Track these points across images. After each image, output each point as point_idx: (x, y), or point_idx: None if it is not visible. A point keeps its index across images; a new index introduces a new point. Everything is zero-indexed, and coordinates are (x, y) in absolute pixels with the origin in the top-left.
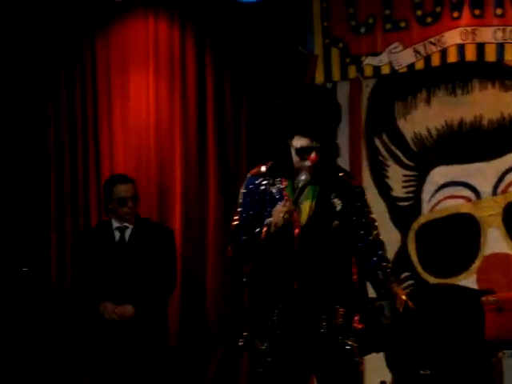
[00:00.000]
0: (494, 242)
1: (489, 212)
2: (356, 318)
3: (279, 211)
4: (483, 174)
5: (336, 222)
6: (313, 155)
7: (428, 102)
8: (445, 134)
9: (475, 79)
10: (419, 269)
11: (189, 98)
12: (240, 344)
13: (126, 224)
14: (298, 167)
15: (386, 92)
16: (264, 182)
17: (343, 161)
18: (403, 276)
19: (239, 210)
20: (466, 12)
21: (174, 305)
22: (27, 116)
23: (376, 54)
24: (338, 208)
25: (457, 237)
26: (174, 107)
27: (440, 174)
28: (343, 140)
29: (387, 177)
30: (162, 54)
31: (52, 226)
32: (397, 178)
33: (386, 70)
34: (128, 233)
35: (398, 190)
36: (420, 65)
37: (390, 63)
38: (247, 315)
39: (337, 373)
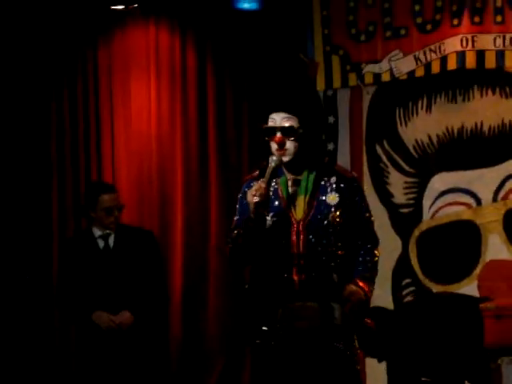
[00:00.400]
0: (495, 248)
1: (489, 218)
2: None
3: (251, 192)
4: (484, 180)
5: (332, 215)
6: (278, 135)
7: (429, 108)
8: (445, 141)
9: (475, 86)
10: (420, 275)
11: (190, 106)
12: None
13: (108, 231)
14: (273, 153)
15: (387, 99)
16: None
17: (344, 167)
18: (404, 283)
19: (236, 213)
20: (465, 19)
21: (175, 313)
22: (29, 124)
23: (376, 62)
24: (335, 201)
25: (458, 243)
26: (176, 115)
27: (441, 181)
28: (344, 147)
29: (388, 183)
30: (163, 62)
31: (54, 234)
32: (398, 184)
33: (386, 78)
34: (111, 240)
35: (399, 196)
36: (420, 72)
37: (391, 70)
38: (251, 313)
39: (337, 380)
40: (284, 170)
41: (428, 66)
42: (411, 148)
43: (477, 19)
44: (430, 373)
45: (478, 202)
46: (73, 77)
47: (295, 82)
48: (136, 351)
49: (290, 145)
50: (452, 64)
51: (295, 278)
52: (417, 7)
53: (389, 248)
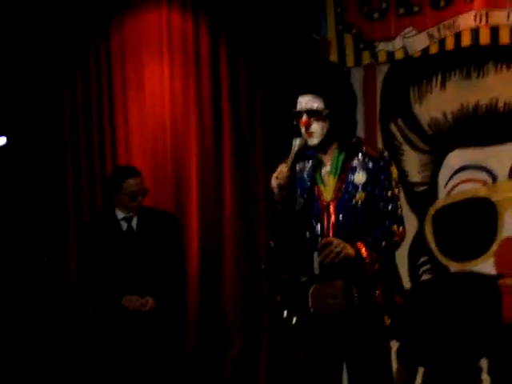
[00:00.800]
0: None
1: (505, 195)
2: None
3: (273, 175)
4: (499, 157)
5: (360, 195)
6: (303, 118)
7: (443, 85)
8: (460, 118)
9: (490, 62)
10: (437, 253)
11: (203, 87)
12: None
13: (132, 214)
14: (303, 135)
15: (401, 77)
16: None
17: (373, 146)
18: (421, 261)
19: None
20: None
21: (192, 293)
22: (43, 108)
23: (389, 39)
24: (362, 181)
25: (474, 221)
26: (189, 96)
27: (456, 158)
28: (358, 126)
29: (403, 162)
30: (175, 43)
31: (70, 217)
32: (413, 163)
33: (399, 55)
34: (134, 222)
35: (415, 175)
36: (434, 49)
37: (404, 48)
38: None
39: (367, 358)
40: (316, 151)
41: (442, 42)
42: (426, 126)
43: None
44: (445, 352)
45: (494, 178)
46: (86, 60)
47: (319, 62)
48: (156, 336)
49: (316, 127)
50: (466, 40)
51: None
52: None
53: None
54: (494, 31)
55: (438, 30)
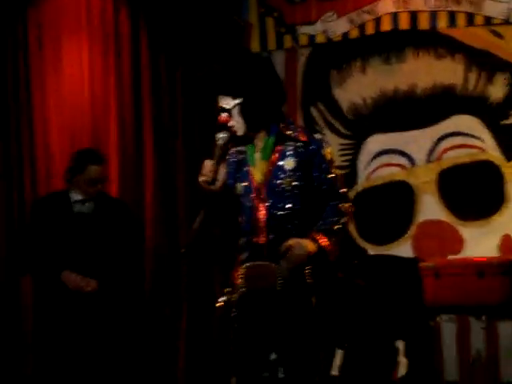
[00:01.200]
0: (429, 208)
1: (423, 179)
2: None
3: (200, 173)
4: (417, 141)
5: (288, 180)
6: (220, 117)
7: (363, 70)
8: (380, 103)
9: (409, 47)
10: (355, 236)
11: (123, 62)
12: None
13: (87, 197)
14: None
15: (321, 61)
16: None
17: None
18: None
19: None
20: None
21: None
22: None
23: (311, 23)
24: (291, 166)
25: (392, 204)
26: (109, 80)
27: (375, 143)
28: None
29: None
30: (95, 23)
31: None
32: (333, 146)
33: (321, 39)
34: (89, 206)
35: (335, 158)
36: (354, 33)
37: (325, 32)
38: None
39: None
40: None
41: (362, 27)
42: (346, 110)
43: None
44: (362, 334)
45: (412, 162)
46: (3, 40)
47: (233, 53)
48: (101, 318)
49: (234, 121)
50: (386, 25)
51: (260, 241)
52: None
53: None
54: (414, 16)
55: (358, 14)
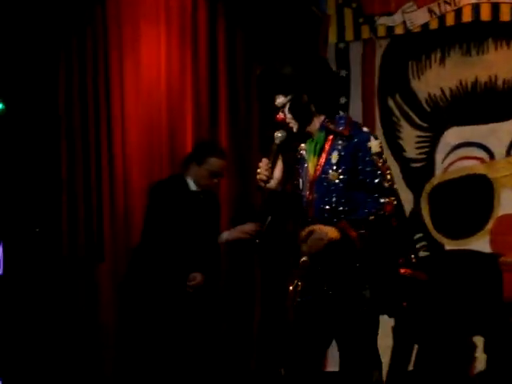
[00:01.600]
0: (508, 203)
1: (503, 173)
2: None
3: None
4: (497, 134)
5: (332, 174)
6: (278, 114)
7: (442, 62)
8: (459, 95)
9: (490, 39)
10: (432, 230)
11: (200, 54)
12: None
13: (200, 190)
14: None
15: (400, 52)
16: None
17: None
18: (416, 237)
19: None
20: None
21: None
22: (37, 74)
23: (390, 14)
24: (335, 160)
25: (470, 198)
26: (186, 67)
27: (454, 135)
28: (356, 101)
29: (400, 138)
30: (173, 13)
31: (64, 188)
32: (410, 138)
33: (399, 30)
34: (202, 198)
35: (411, 151)
36: (434, 24)
37: (404, 23)
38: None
39: (349, 330)
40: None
41: (442, 18)
42: (424, 102)
43: None
44: (440, 329)
45: (491, 156)
46: (82, 27)
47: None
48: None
49: (289, 118)
50: (467, 16)
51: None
52: None
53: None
54: (495, 7)
55: (439, 5)
